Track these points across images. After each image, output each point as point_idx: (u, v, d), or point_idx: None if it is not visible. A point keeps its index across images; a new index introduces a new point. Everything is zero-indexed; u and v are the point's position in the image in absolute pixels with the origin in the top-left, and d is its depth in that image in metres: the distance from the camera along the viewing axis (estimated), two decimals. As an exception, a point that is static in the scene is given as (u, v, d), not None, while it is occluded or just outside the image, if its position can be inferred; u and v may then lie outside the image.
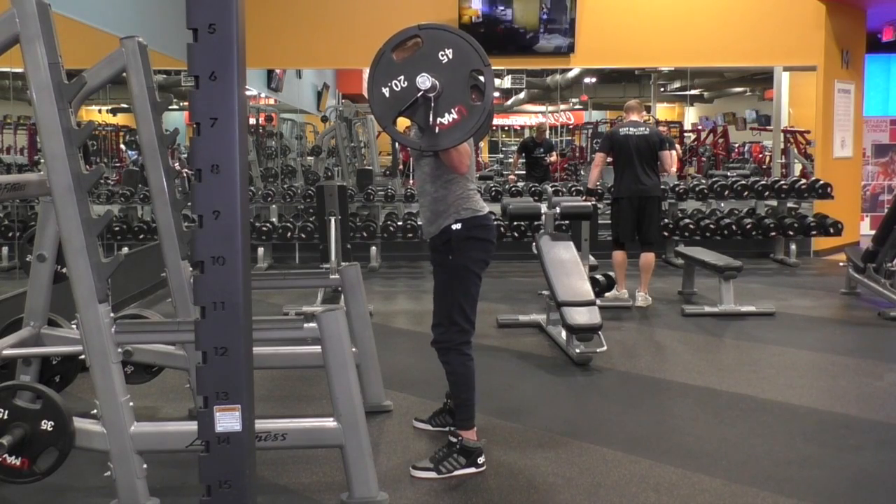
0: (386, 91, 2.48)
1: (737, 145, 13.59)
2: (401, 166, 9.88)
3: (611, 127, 6.36)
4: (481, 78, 2.46)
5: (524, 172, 9.84)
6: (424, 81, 2.41)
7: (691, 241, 7.53)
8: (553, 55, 8.36)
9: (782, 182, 7.99)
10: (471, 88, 2.47)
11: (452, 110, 2.46)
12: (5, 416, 2.38)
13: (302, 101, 11.79)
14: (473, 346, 3.00)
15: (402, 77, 2.46)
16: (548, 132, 9.73)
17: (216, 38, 1.89)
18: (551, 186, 7.83)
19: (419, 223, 2.88)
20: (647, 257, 5.79)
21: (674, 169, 9.23)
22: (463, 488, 2.78)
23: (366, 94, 2.57)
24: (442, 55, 2.45)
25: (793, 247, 7.80)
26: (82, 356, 2.46)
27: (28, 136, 6.16)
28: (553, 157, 9.63)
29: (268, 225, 7.54)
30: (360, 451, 2.55)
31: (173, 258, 3.23)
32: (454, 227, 2.87)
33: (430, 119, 2.45)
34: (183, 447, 2.47)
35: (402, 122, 2.74)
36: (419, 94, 2.43)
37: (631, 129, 5.74)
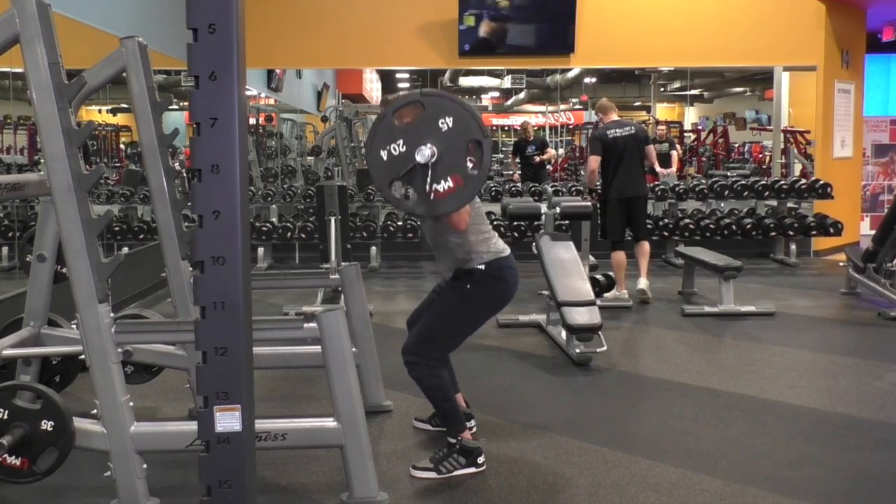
0: (384, 154, 2.48)
1: (737, 145, 13.60)
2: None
3: (595, 129, 6.36)
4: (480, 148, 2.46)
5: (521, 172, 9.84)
6: (423, 153, 2.42)
7: (691, 241, 7.52)
8: (553, 55, 8.36)
9: (782, 182, 7.99)
10: (468, 157, 2.48)
11: (449, 178, 2.47)
12: (5, 416, 2.38)
13: (302, 101, 11.79)
14: (449, 359, 3.05)
15: (401, 141, 2.47)
16: (530, 130, 9.61)
17: (216, 38, 1.89)
18: (551, 186, 7.81)
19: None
20: (644, 245, 5.98)
21: (674, 169, 9.22)
22: (463, 488, 2.78)
23: (364, 154, 2.57)
24: (442, 123, 2.45)
25: (793, 247, 7.79)
26: (82, 356, 2.46)
27: (28, 136, 6.16)
28: (547, 155, 9.57)
29: (268, 225, 7.54)
30: (360, 451, 2.55)
31: (173, 258, 3.23)
32: (479, 267, 2.88)
33: (427, 186, 2.46)
34: (183, 447, 2.47)
35: None
36: (417, 162, 2.44)
37: (617, 129, 5.83)
